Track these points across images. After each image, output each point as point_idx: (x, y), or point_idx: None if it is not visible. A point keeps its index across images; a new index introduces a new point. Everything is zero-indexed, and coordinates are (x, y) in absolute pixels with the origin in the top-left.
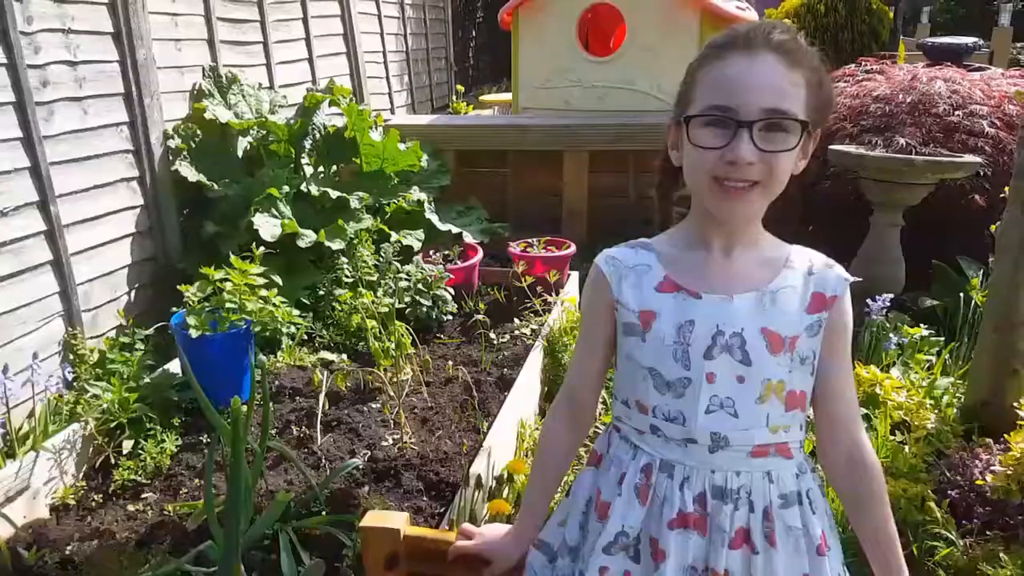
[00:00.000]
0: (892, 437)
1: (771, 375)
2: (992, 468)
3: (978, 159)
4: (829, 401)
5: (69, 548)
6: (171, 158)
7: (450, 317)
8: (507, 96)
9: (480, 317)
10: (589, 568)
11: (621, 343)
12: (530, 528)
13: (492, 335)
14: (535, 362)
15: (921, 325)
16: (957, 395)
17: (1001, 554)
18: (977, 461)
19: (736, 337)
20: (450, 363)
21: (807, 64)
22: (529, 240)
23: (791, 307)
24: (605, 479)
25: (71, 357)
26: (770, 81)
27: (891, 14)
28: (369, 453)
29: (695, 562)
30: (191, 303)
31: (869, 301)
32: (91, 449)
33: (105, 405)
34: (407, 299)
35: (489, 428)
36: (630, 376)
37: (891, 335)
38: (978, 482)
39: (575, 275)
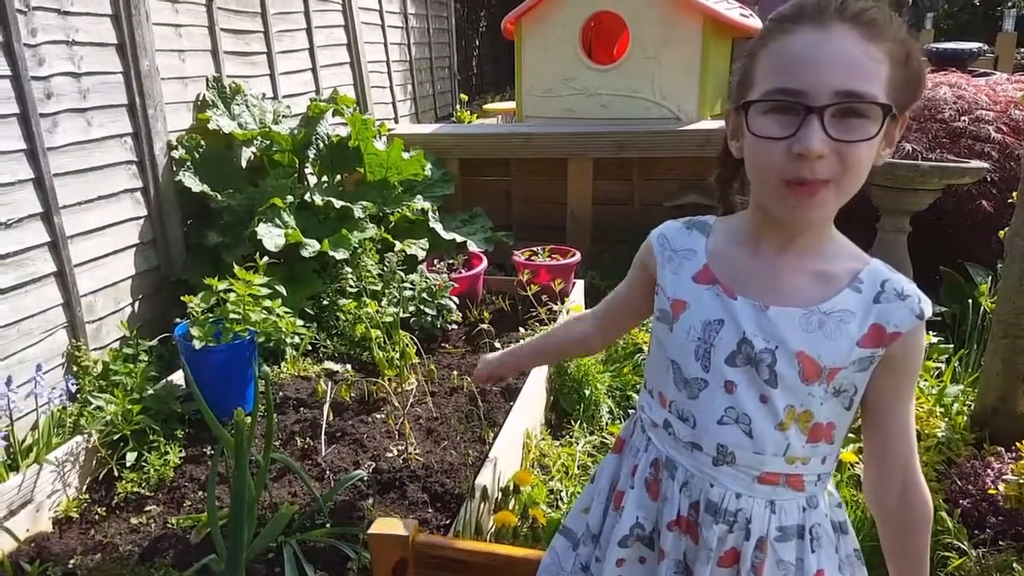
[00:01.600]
0: None
1: (797, 403)
2: (1004, 477)
3: (985, 164)
4: (885, 442)
5: (72, 562)
6: (175, 169)
7: (455, 326)
8: (510, 105)
9: (485, 326)
10: (607, 560)
11: (654, 327)
12: (516, 350)
13: (497, 344)
14: (541, 372)
15: (930, 332)
16: (967, 402)
17: (1015, 564)
18: (989, 470)
19: (767, 353)
20: (455, 372)
21: (891, 36)
22: (534, 248)
23: (842, 336)
24: (624, 467)
25: (75, 369)
26: (845, 58)
27: None
28: (374, 464)
29: (681, 565)
30: (195, 314)
31: None
32: (94, 461)
33: (108, 417)
34: (411, 308)
35: (495, 439)
36: (658, 364)
37: None
38: (990, 491)
39: (580, 283)
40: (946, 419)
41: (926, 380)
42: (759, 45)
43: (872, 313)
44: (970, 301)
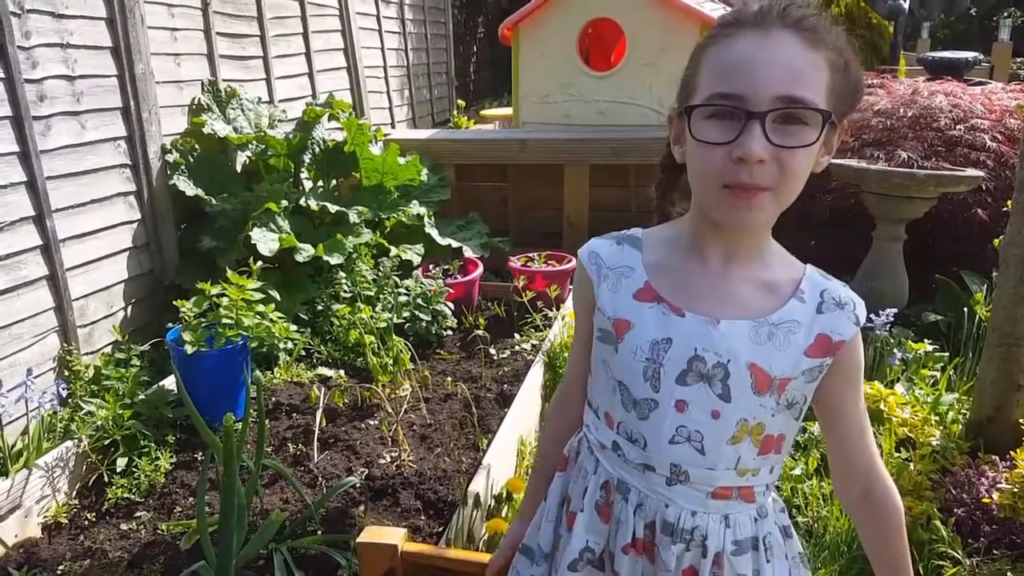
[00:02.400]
0: (897, 454)
1: (750, 416)
2: (998, 486)
3: (980, 173)
4: (843, 444)
5: (61, 568)
6: (169, 172)
7: (450, 332)
8: (508, 111)
9: (480, 332)
10: None
11: (596, 347)
12: (530, 510)
13: (492, 350)
14: (536, 378)
15: (925, 340)
16: (962, 411)
17: (1009, 573)
18: (983, 479)
19: (720, 368)
20: (449, 379)
21: (831, 43)
22: (530, 254)
23: (790, 346)
24: (574, 487)
25: (66, 373)
26: (786, 64)
27: (891, 29)
28: (366, 471)
29: None
30: (187, 319)
31: (872, 316)
32: (84, 467)
33: (99, 422)
34: (406, 314)
35: (488, 445)
36: (602, 384)
37: (895, 350)
38: (984, 500)
39: None
40: (941, 427)
41: (921, 388)
42: (702, 49)
43: (816, 323)
44: (965, 309)
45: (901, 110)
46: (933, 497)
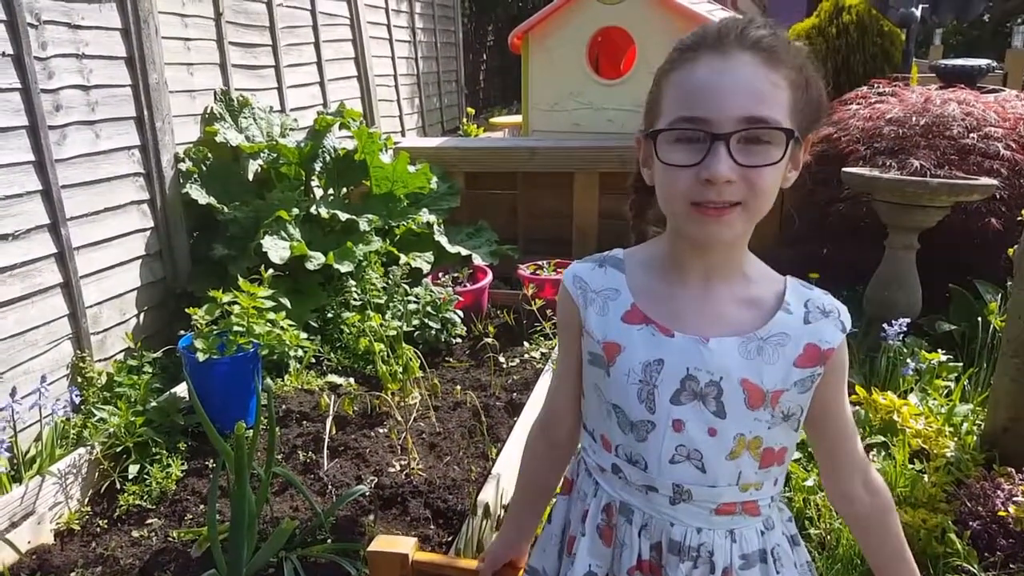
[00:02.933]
0: (911, 466)
1: (746, 431)
2: (1015, 499)
3: (994, 181)
4: (838, 442)
5: (73, 575)
6: (182, 181)
7: (459, 340)
8: (517, 118)
9: (489, 340)
10: None
11: (587, 371)
12: (511, 531)
13: (501, 358)
14: (545, 386)
15: (939, 350)
16: (977, 422)
17: None
18: (999, 491)
19: (712, 386)
20: (459, 387)
21: (790, 62)
22: (539, 262)
23: (780, 359)
24: (574, 511)
25: (79, 380)
26: (747, 85)
27: (903, 36)
28: (376, 479)
29: None
30: (199, 326)
31: (885, 326)
32: (97, 474)
33: (112, 429)
34: (416, 322)
35: (498, 454)
36: (596, 408)
37: (908, 360)
38: (1000, 513)
39: None
40: (955, 439)
41: (935, 399)
42: (664, 74)
43: (805, 334)
44: (979, 319)
45: (913, 118)
46: (948, 510)
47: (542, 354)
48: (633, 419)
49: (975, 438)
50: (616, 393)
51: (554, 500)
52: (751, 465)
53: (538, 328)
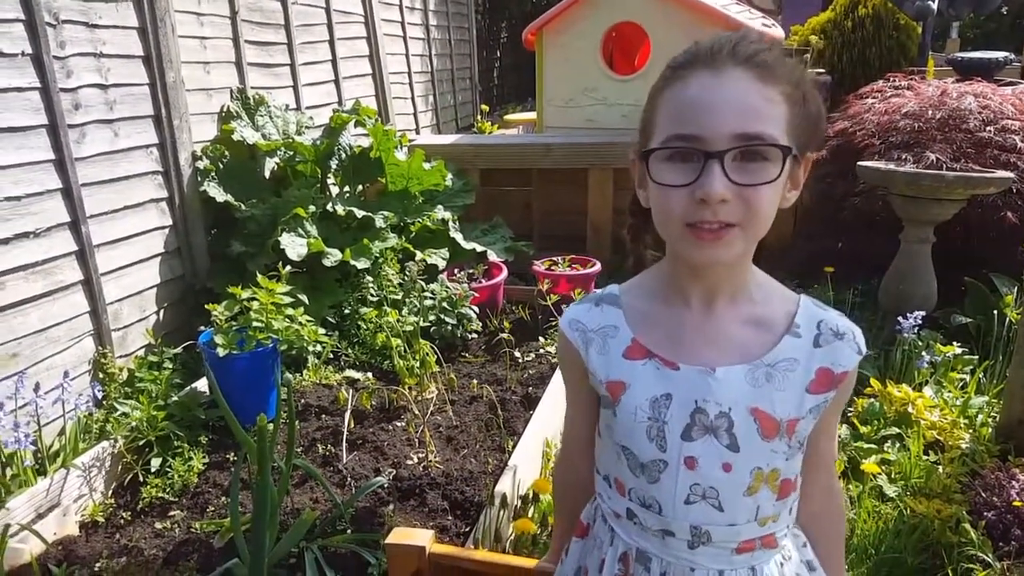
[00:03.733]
0: (925, 457)
1: (763, 463)
2: None
3: (1010, 175)
4: (821, 451)
5: (98, 565)
6: (199, 179)
7: (475, 335)
8: (531, 115)
9: (505, 335)
10: None
11: (600, 413)
12: (555, 550)
13: (517, 353)
14: (560, 380)
15: (954, 343)
16: (992, 414)
17: None
18: (1014, 482)
19: (723, 418)
20: (475, 381)
21: (785, 78)
22: (554, 258)
23: (791, 385)
24: (589, 558)
25: (100, 375)
26: (741, 100)
27: (919, 29)
28: (394, 471)
29: None
30: (218, 322)
31: (900, 319)
32: (120, 467)
33: (134, 423)
34: (432, 317)
35: (514, 447)
36: (608, 451)
37: (923, 353)
38: (1015, 503)
39: None
40: (970, 431)
41: (950, 391)
42: (657, 93)
43: (816, 357)
44: (995, 312)
45: (929, 112)
46: (962, 500)
47: (557, 349)
48: (643, 460)
49: (990, 430)
50: (624, 434)
51: (570, 542)
52: (769, 498)
53: (553, 323)
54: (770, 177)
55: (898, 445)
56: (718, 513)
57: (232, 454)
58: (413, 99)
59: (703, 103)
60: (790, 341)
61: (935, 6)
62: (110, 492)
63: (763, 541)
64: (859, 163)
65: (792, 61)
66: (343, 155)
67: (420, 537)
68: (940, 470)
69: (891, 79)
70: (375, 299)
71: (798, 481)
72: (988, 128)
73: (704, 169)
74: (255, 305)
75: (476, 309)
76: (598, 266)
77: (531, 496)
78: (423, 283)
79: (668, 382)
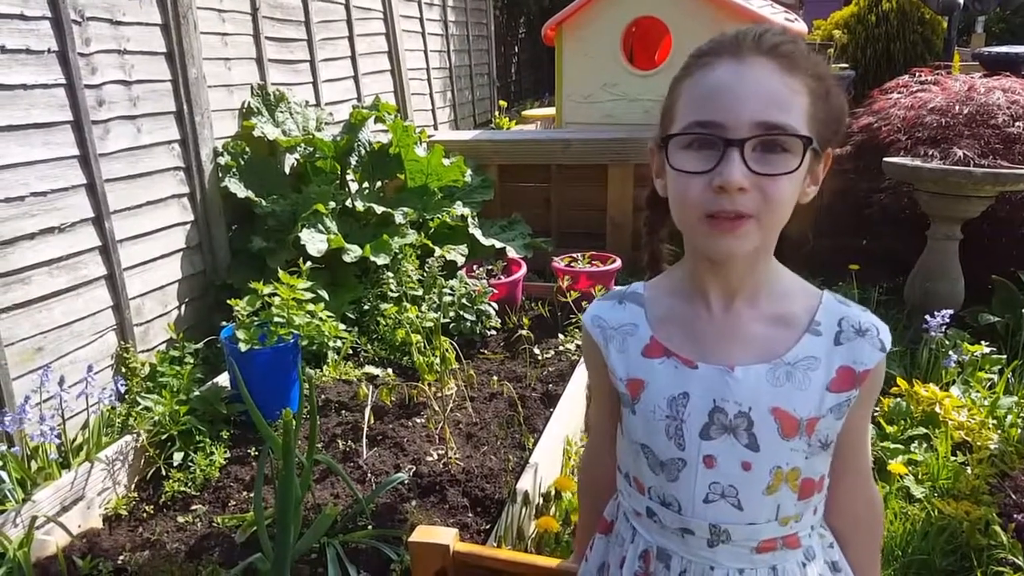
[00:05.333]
0: (953, 458)
1: (783, 462)
2: None
3: None
4: (852, 456)
5: (121, 558)
6: (220, 175)
7: (494, 332)
8: (549, 111)
9: (524, 332)
10: None
11: (620, 412)
12: (579, 550)
13: (536, 351)
14: (581, 379)
15: (982, 342)
16: (1021, 415)
17: None
18: None
19: (742, 418)
20: (494, 378)
21: (809, 69)
22: (573, 255)
23: (811, 384)
24: (612, 555)
25: (123, 370)
26: (764, 89)
27: (945, 24)
28: (414, 468)
29: None
30: (240, 317)
31: (927, 317)
32: (142, 461)
33: (156, 417)
34: (451, 314)
35: (535, 444)
36: (627, 449)
37: (951, 352)
38: None
39: None
40: (999, 431)
41: (978, 391)
42: (679, 81)
43: (837, 355)
44: (1023, 311)
45: (956, 107)
46: (991, 502)
47: (577, 346)
48: (663, 458)
49: (1019, 431)
50: (643, 432)
51: (593, 538)
52: (790, 498)
53: (573, 320)
54: (790, 168)
55: (925, 445)
56: (737, 512)
57: (253, 449)
58: (431, 95)
59: (725, 90)
60: (810, 339)
61: (961, 1)
62: (133, 486)
63: (785, 541)
64: (885, 159)
65: (816, 55)
66: (362, 151)
67: (444, 535)
68: (968, 471)
69: (916, 74)
70: (395, 295)
71: (823, 482)
72: (1017, 124)
73: (723, 157)
74: (276, 300)
75: (495, 306)
76: (618, 263)
77: (553, 494)
78: (442, 279)
79: (686, 381)
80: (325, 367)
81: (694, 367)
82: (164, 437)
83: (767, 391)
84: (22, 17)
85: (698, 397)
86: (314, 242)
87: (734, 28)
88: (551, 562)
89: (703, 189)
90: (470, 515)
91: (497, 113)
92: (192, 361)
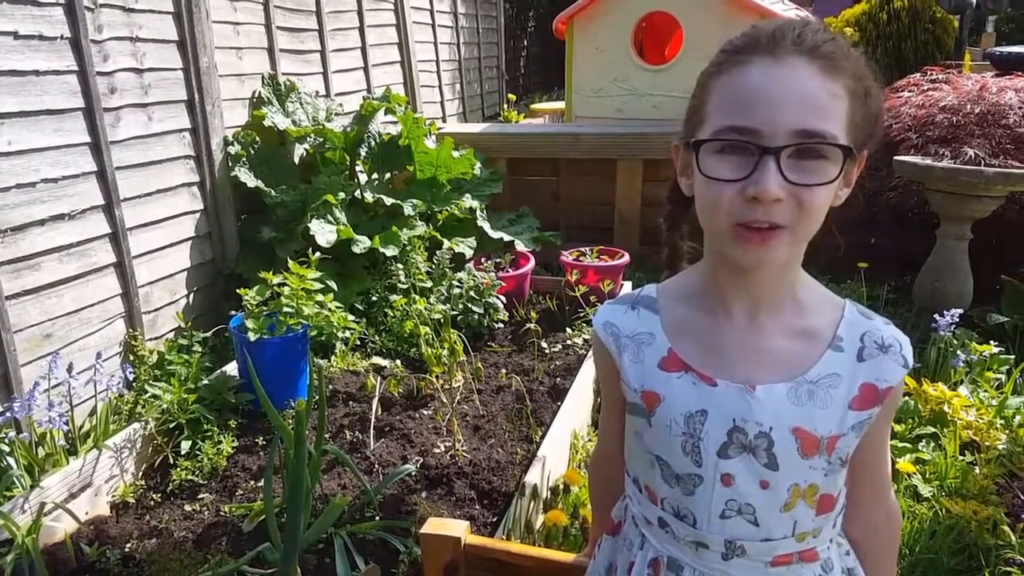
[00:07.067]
0: (961, 457)
1: (801, 480)
2: None
3: None
4: (872, 469)
5: (129, 545)
6: (230, 164)
7: (501, 325)
8: (558, 105)
9: (532, 326)
10: None
11: (628, 418)
12: (591, 549)
13: (544, 344)
14: (588, 372)
15: (990, 342)
16: None
17: None
18: None
19: (763, 438)
20: (502, 371)
21: (850, 71)
22: (581, 249)
23: (833, 402)
24: (620, 558)
25: (131, 358)
26: (804, 94)
27: (955, 23)
28: (421, 460)
29: None
30: (249, 307)
31: (936, 317)
32: (150, 448)
33: (164, 406)
34: (459, 306)
35: (543, 438)
36: (639, 457)
37: (959, 352)
38: None
39: (628, 285)
40: (1007, 431)
41: (986, 391)
42: (710, 77)
43: (859, 373)
44: None
45: (968, 106)
46: (999, 502)
47: (584, 340)
48: (679, 472)
49: None
50: (659, 444)
51: (601, 539)
52: (807, 514)
53: (581, 314)
54: (828, 178)
55: (933, 444)
56: (753, 528)
57: (261, 438)
58: (440, 87)
59: (762, 94)
60: (832, 355)
61: (973, 0)
62: (140, 473)
63: (802, 555)
64: (895, 157)
65: (856, 53)
66: (372, 142)
67: (455, 528)
68: (976, 471)
69: (927, 73)
70: (404, 287)
71: (841, 496)
72: None
73: (759, 165)
74: (286, 290)
75: (503, 299)
76: (626, 257)
77: (561, 488)
78: (451, 271)
79: (704, 398)
80: (333, 358)
81: (713, 384)
82: (172, 425)
83: (788, 410)
84: (35, 3)
85: (717, 416)
86: (323, 233)
87: (770, 23)
88: (565, 556)
89: (735, 196)
90: (477, 507)
91: (506, 106)
92: (200, 350)
